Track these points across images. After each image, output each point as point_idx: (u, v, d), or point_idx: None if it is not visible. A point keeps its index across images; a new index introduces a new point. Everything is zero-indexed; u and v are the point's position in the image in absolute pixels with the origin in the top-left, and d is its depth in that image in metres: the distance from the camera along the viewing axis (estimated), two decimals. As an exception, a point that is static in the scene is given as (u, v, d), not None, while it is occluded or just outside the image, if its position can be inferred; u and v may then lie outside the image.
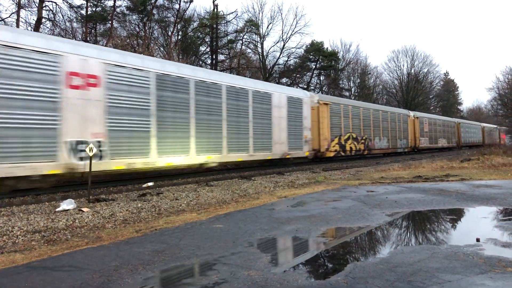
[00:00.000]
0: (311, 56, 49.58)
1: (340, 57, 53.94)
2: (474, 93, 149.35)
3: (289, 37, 47.75)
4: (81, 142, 10.57)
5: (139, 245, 5.34)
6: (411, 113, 35.00)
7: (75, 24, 33.10)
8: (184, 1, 37.81)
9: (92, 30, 35.02)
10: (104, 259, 4.68)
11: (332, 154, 22.97)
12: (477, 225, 6.52)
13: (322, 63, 50.29)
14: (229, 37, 43.41)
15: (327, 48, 51.37)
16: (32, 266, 4.50)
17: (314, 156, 21.91)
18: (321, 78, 53.33)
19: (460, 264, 4.22)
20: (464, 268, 4.08)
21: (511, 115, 37.08)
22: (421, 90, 66.81)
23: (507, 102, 37.54)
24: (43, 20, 28.34)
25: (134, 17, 37.37)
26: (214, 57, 41.86)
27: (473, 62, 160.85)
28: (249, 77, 38.30)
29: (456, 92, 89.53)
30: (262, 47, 47.10)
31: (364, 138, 26.67)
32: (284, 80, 47.35)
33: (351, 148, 24.96)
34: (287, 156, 19.07)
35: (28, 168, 9.54)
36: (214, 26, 40.48)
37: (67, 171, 10.35)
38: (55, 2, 28.74)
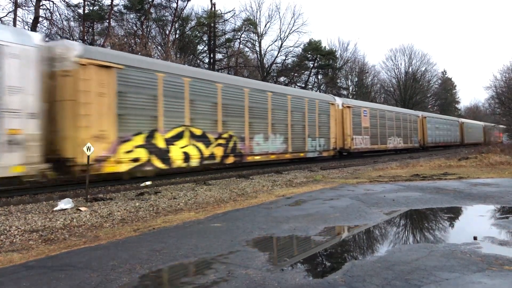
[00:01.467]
0: (309, 55, 49.59)
1: (337, 55, 54.00)
2: (472, 91, 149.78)
3: (287, 36, 47.76)
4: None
5: (137, 244, 5.34)
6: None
7: (72, 23, 33.08)
8: (181, 0, 37.84)
9: (90, 29, 34.95)
10: (102, 259, 4.68)
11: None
12: (475, 224, 6.55)
13: (320, 62, 50.33)
14: (227, 36, 43.44)
15: (325, 47, 51.45)
16: (29, 266, 4.49)
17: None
18: (319, 77, 53.40)
19: (457, 262, 4.23)
20: (461, 266, 4.09)
21: (509, 114, 37.12)
22: (418, 89, 66.91)
23: (505, 100, 37.57)
24: (40, 19, 28.28)
25: (131, 16, 37.36)
26: (211, 56, 41.85)
27: (470, 61, 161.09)
28: (247, 76, 38.33)
29: (454, 91, 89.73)
30: (260, 46, 47.18)
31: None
32: (282, 79, 47.40)
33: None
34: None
35: None
36: (212, 25, 40.47)
37: None
38: (52, 1, 28.65)
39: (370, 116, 27.32)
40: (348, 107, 24.44)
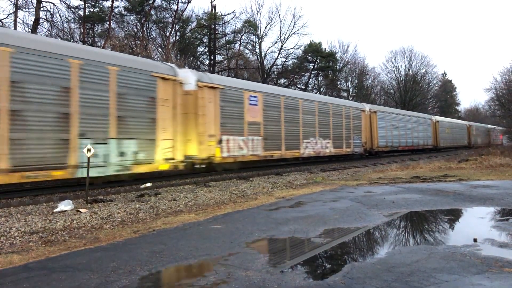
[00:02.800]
0: (309, 57, 49.63)
1: (338, 57, 54.04)
2: (472, 93, 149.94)
3: (287, 38, 47.77)
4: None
5: (137, 246, 5.34)
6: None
7: (72, 25, 33.14)
8: (182, 2, 37.86)
9: (90, 31, 34.99)
10: (102, 260, 4.68)
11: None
12: (475, 226, 6.54)
13: (320, 64, 50.34)
14: (227, 38, 43.47)
15: (325, 48, 51.50)
16: (29, 267, 4.49)
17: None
18: (319, 79, 53.42)
19: (457, 264, 4.23)
20: (461, 268, 4.09)
21: (509, 116, 37.12)
22: (419, 91, 66.87)
23: (505, 102, 37.59)
24: (41, 20, 28.33)
25: (132, 17, 37.41)
26: (212, 57, 41.87)
27: (470, 63, 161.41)
28: (247, 78, 38.36)
29: (454, 93, 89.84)
30: (260, 48, 47.19)
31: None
32: (282, 81, 47.42)
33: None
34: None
35: None
36: (212, 26, 40.51)
37: None
38: (53, 3, 28.88)
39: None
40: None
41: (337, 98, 31.58)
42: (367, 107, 28.60)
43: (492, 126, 59.58)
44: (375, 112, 29.00)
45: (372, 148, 28.30)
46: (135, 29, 37.22)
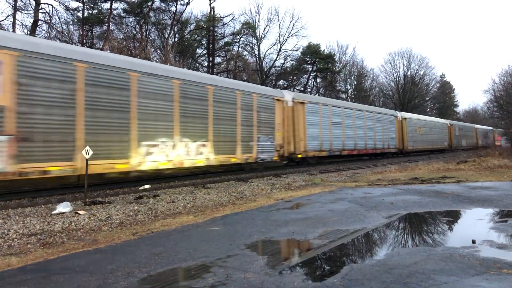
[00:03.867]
0: (307, 59, 49.66)
1: (336, 59, 54.09)
2: (470, 95, 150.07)
3: (286, 40, 47.87)
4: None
5: (136, 248, 5.33)
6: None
7: (71, 27, 33.18)
8: (180, 4, 37.95)
9: (89, 33, 34.99)
10: (100, 262, 4.67)
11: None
12: (473, 227, 6.55)
13: (318, 66, 50.36)
14: (226, 40, 43.50)
15: (324, 50, 51.51)
16: (27, 270, 4.48)
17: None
18: (318, 81, 53.47)
19: (456, 266, 4.23)
20: (460, 270, 4.09)
21: (507, 117, 37.20)
22: (417, 92, 67.04)
23: (503, 104, 37.67)
24: (40, 22, 28.33)
25: (130, 19, 37.42)
26: (210, 59, 41.91)
27: (469, 65, 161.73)
28: (246, 80, 38.37)
29: (453, 94, 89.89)
30: (259, 50, 47.25)
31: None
32: (281, 82, 47.44)
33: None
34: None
35: None
36: (211, 28, 40.55)
37: None
38: (52, 5, 28.87)
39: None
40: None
41: (231, 80, 22.27)
42: (288, 95, 20.99)
43: (497, 129, 58.86)
44: (302, 103, 21.72)
45: (294, 153, 20.82)
46: (134, 31, 37.28)
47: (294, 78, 49.54)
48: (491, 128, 61.68)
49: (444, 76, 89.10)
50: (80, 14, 32.87)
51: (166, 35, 38.29)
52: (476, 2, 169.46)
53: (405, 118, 34.43)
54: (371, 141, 28.61)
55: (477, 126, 59.66)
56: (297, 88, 49.27)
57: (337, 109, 25.03)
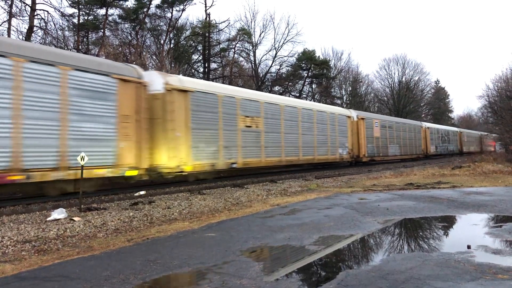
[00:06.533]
0: (303, 65, 49.85)
1: (331, 65, 54.36)
2: (465, 100, 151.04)
3: (281, 46, 47.96)
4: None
5: (131, 254, 5.30)
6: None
7: (67, 33, 33.10)
8: (176, 10, 38.05)
9: (84, 39, 34.99)
10: (95, 269, 4.64)
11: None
12: (468, 232, 6.57)
13: (314, 71, 50.58)
14: (221, 46, 43.59)
15: (319, 56, 51.78)
16: (22, 277, 4.45)
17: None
18: (313, 86, 53.65)
19: (451, 271, 4.24)
20: (455, 275, 4.10)
21: (501, 123, 37.46)
22: (412, 98, 67.44)
23: (497, 109, 37.91)
24: (35, 28, 28.27)
25: (126, 25, 37.47)
26: (206, 65, 41.98)
27: (463, 70, 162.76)
28: (242, 86, 38.44)
29: (447, 100, 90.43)
30: (254, 56, 47.37)
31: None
32: (276, 88, 47.56)
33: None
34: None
35: None
36: (207, 34, 40.65)
37: None
38: (47, 11, 28.85)
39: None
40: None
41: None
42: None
43: (457, 129, 57.07)
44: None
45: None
46: (129, 37, 37.30)
47: (290, 84, 49.70)
48: (479, 132, 62.28)
49: (439, 81, 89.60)
50: (75, 20, 32.88)
51: (162, 41, 38.40)
52: (470, 8, 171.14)
53: (363, 118, 28.63)
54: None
55: (461, 129, 58.03)
56: (293, 94, 49.43)
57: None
